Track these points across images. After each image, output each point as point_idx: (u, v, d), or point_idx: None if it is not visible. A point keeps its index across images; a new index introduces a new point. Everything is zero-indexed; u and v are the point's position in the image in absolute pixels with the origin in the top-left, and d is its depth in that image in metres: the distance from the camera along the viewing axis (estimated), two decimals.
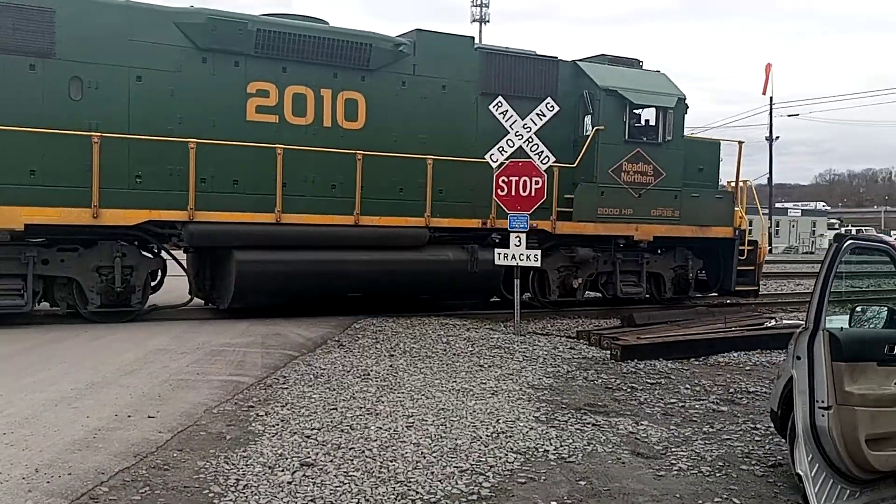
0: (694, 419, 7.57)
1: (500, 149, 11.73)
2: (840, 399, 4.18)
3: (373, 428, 6.60)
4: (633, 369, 9.76)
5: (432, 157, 12.85)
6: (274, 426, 6.53)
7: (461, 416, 7.11)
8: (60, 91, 10.81)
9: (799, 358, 4.33)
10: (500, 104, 11.76)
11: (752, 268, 16.19)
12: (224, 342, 10.04)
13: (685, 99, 15.02)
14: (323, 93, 12.31)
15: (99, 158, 10.71)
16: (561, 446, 6.38)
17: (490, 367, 9.44)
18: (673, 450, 6.48)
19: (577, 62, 14.54)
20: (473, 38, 14.03)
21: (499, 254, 11.81)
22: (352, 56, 12.38)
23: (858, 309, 4.61)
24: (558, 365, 9.76)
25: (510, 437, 6.57)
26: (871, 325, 4.58)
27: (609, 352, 10.59)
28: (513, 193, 11.56)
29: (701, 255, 15.89)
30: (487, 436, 6.55)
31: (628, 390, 8.66)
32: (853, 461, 4.18)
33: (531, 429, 6.83)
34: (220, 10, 11.91)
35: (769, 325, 13.04)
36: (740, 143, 16.34)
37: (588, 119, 14.35)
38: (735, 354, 11.10)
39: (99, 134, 10.73)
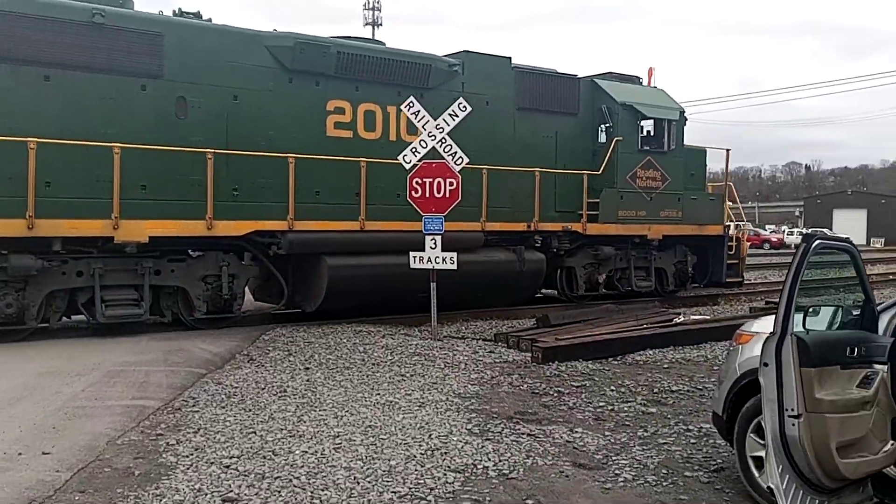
0: (626, 423, 7.42)
1: (413, 150, 11.37)
2: (810, 406, 4.02)
3: (298, 452, 6.11)
4: (556, 372, 9.58)
5: (486, 168, 13.96)
6: (188, 456, 5.94)
7: (391, 433, 6.70)
8: (168, 110, 11.43)
9: (766, 364, 4.14)
10: (411, 104, 11.39)
11: (737, 261, 18.09)
12: (123, 361, 9.27)
13: (684, 112, 16.83)
14: (389, 109, 13.29)
15: (213, 173, 11.34)
16: (500, 461, 6.07)
17: (412, 376, 9.06)
18: (614, 458, 6.27)
19: (594, 80, 16.09)
20: (510, 58, 14.98)
21: (414, 257, 11.43)
22: (414, 75, 13.45)
23: (811, 310, 4.47)
24: (481, 371, 9.47)
25: (446, 453, 6.21)
26: (824, 327, 4.46)
27: (530, 354, 10.39)
28: (427, 195, 11.21)
29: (695, 252, 17.57)
30: (422, 454, 6.17)
31: (555, 395, 8.45)
32: (823, 470, 4.04)
33: (466, 443, 6.49)
34: (305, 35, 12.68)
35: (678, 321, 13.20)
36: (727, 150, 18.36)
37: (602, 130, 15.88)
38: (650, 352, 11.12)
39: (212, 150, 11.36)
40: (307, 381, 8.65)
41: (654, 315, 13.47)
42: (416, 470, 5.79)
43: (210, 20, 12.10)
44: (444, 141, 11.29)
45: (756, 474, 5.26)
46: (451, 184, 11.15)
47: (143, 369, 8.86)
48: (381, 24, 60.91)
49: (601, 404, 8.10)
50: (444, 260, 11.21)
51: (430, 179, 11.19)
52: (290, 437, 6.52)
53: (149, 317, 11.41)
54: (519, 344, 10.96)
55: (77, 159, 10.56)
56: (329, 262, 12.34)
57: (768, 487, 4.47)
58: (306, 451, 6.13)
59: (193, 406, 7.42)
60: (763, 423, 4.39)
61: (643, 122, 16.08)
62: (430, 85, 13.60)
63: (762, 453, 5.23)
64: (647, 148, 16.11)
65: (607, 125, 15.71)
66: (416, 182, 11.29)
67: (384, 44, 14.10)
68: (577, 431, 7.02)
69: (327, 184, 12.55)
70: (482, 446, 6.42)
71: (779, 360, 4.06)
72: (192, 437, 6.40)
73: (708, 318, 13.89)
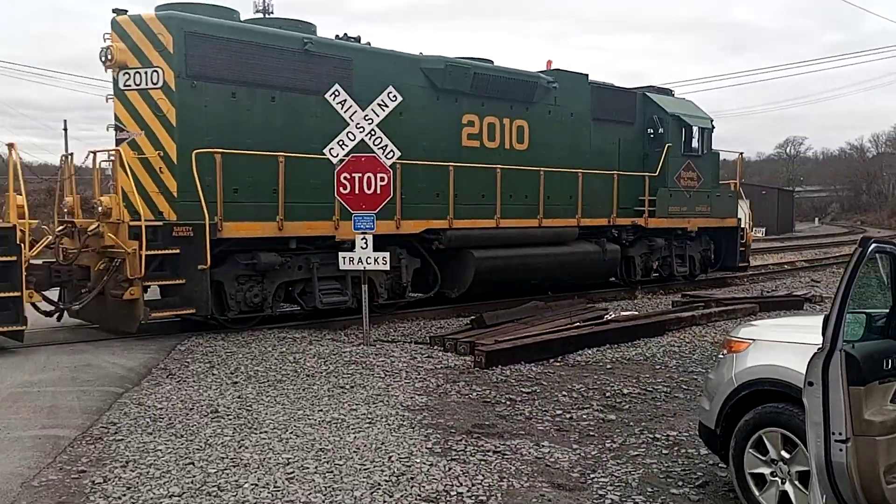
0: (590, 433, 7.04)
1: (340, 143, 10.64)
2: (858, 429, 3.67)
3: (247, 486, 5.41)
4: (502, 377, 9.13)
5: (581, 171, 16.34)
6: (120, 498, 5.14)
7: (346, 457, 6.06)
8: None
9: (811, 384, 3.76)
10: (337, 93, 10.65)
11: (744, 249, 20.84)
12: (24, 380, 8.22)
13: (713, 121, 19.78)
14: (504, 121, 15.23)
15: (401, 180, 12.90)
16: (473, 486, 5.55)
17: (353, 387, 8.40)
18: (591, 476, 5.86)
19: (646, 93, 18.65)
20: (588, 75, 17.11)
21: (343, 258, 10.72)
22: (523, 92, 15.39)
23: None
24: (424, 378, 8.91)
25: (412, 479, 5.63)
26: (857, 337, 4.13)
27: (470, 358, 9.91)
28: (356, 191, 10.51)
29: (713, 241, 20.37)
30: (386, 481, 5.58)
31: (508, 403, 8.00)
32: (868, 498, 3.71)
33: (431, 465, 5.94)
34: (452, 58, 14.44)
35: (609, 318, 13.02)
36: (740, 153, 22.58)
37: (652, 136, 18.37)
38: (589, 352, 10.83)
39: (401, 161, 12.19)
40: (238, 397, 7.87)
41: (583, 312, 13.24)
42: (384, 501, 5.20)
43: (369, 43, 13.71)
44: (373, 133, 10.63)
45: (756, 493, 4.94)
46: (381, 179, 10.49)
47: (49, 390, 7.87)
48: (272, 12, 59.04)
49: (558, 412, 7.70)
50: (375, 260, 10.56)
51: (360, 175, 10.50)
52: (234, 466, 5.80)
53: (353, 304, 12.66)
54: (457, 347, 10.45)
55: (302, 171, 12.06)
56: (476, 254, 14.34)
57: None
58: (256, 484, 5.44)
59: (116, 434, 6.56)
60: (806, 451, 4.05)
61: (685, 130, 18.86)
62: (534, 100, 15.65)
63: (763, 470, 4.92)
64: (688, 152, 18.85)
65: (659, 132, 18.30)
66: (344, 177, 10.57)
67: (493, 62, 15.70)
68: (543, 445, 6.58)
69: (470, 188, 14.48)
70: (449, 468, 5.88)
71: (825, 378, 3.68)
72: (120, 474, 5.59)
73: (636, 314, 13.78)
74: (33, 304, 10.42)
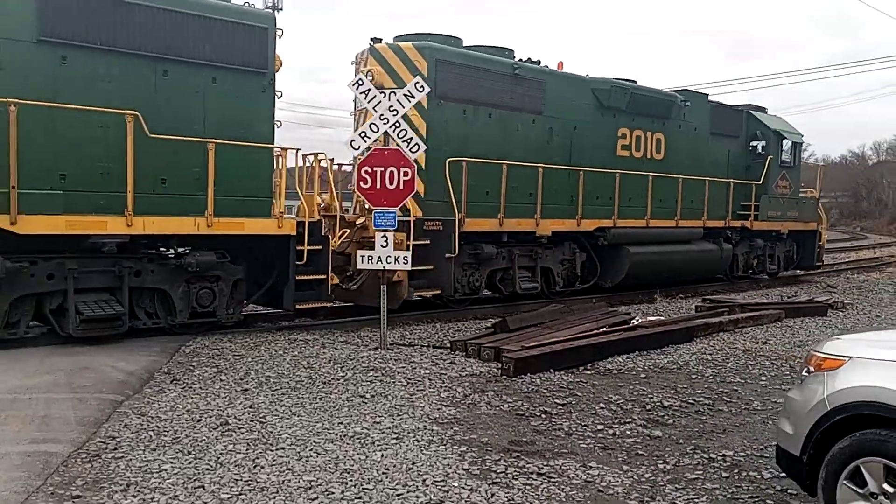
0: (638, 452, 6.38)
1: (363, 134, 9.99)
2: None
3: None
4: (532, 386, 8.48)
5: (708, 179, 18.93)
6: None
7: (375, 479, 5.41)
8: (544, 138, 15.22)
9: None
10: (360, 82, 10.00)
11: (819, 250, 23.59)
12: (15, 385, 7.54)
13: (803, 136, 22.83)
14: (647, 134, 17.51)
15: (583, 186, 15.50)
16: None
17: (374, 396, 7.74)
18: None
19: (749, 111, 21.41)
20: (707, 94, 19.99)
21: (362, 256, 10.05)
22: (663, 109, 17.79)
23: None
24: (450, 388, 8.25)
25: None
26: None
27: (496, 365, 9.26)
28: (378, 186, 9.85)
29: (796, 242, 23.02)
30: None
31: (543, 416, 7.34)
32: None
33: (471, 490, 5.28)
34: (615, 79, 16.76)
35: (636, 322, 12.36)
36: (821, 166, 25.93)
37: (753, 149, 21.02)
38: (620, 359, 10.18)
39: (582, 168, 15.46)
40: (250, 407, 7.21)
41: (608, 316, 12.58)
42: None
43: (539, 62, 15.57)
44: (398, 126, 9.97)
45: None
46: (405, 174, 9.83)
47: (41, 397, 7.20)
48: (281, 9, 58.50)
49: (599, 427, 7.05)
50: (395, 260, 9.90)
51: (382, 168, 9.84)
52: (251, 491, 5.14)
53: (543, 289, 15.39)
54: (480, 353, 9.80)
55: (515, 176, 14.33)
56: (631, 249, 16.58)
57: None
58: None
59: (115, 450, 5.89)
60: None
61: (782, 143, 21.54)
62: (671, 116, 18.00)
63: None
64: (783, 163, 21.53)
65: (763, 145, 20.97)
66: (365, 171, 9.92)
67: (636, 82, 17.63)
68: (591, 466, 5.92)
69: (626, 192, 16.72)
70: (492, 494, 5.23)
71: None
72: (121, 500, 4.93)
73: (663, 318, 13.11)
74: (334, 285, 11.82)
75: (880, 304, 17.18)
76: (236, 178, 10.48)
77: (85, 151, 9.43)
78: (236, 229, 10.50)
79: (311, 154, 11.91)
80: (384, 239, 9.84)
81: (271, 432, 6.44)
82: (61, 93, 9.29)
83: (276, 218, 10.86)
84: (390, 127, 9.92)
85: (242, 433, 6.40)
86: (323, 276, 11.38)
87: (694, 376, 9.42)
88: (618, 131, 16.77)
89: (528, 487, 5.41)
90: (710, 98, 19.84)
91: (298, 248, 10.98)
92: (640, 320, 12.71)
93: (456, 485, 5.37)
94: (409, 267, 10.06)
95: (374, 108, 9.90)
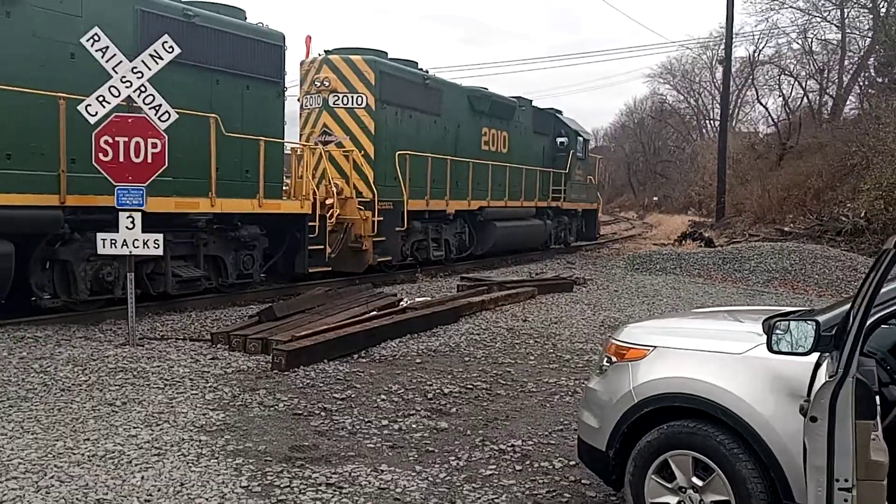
0: (428, 448, 6.06)
1: (100, 98, 8.65)
2: (863, 472, 2.97)
3: None
4: (307, 380, 7.88)
5: (539, 169, 24.34)
6: None
7: None
8: (441, 134, 19.26)
9: (815, 419, 3.00)
10: (97, 38, 8.60)
11: (597, 225, 29.95)
12: None
13: (591, 134, 29.31)
14: (499, 133, 22.02)
15: (472, 174, 20.32)
16: None
17: (126, 403, 6.73)
18: None
19: (555, 114, 26.25)
20: (532, 100, 24.53)
21: (103, 240, 8.77)
22: (508, 111, 22.54)
23: (781, 326, 3.45)
24: (215, 387, 7.41)
25: None
26: (796, 348, 3.48)
27: (264, 358, 8.55)
28: (121, 159, 8.62)
29: (579, 218, 28.00)
30: None
31: (324, 415, 6.80)
32: None
33: None
34: (481, 88, 21.30)
35: (404, 304, 12.16)
36: (599, 157, 29.21)
37: (559, 144, 26.02)
38: (392, 344, 9.88)
39: (471, 160, 20.21)
40: None
41: (376, 298, 12.23)
42: None
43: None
44: (143, 89, 8.77)
45: None
46: (154, 146, 8.69)
47: None
48: None
49: (384, 422, 6.65)
50: (144, 244, 8.76)
51: (126, 139, 8.63)
52: None
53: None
54: (246, 345, 9.00)
55: (437, 166, 18.64)
56: (497, 224, 20.98)
57: None
58: None
59: None
60: (723, 476, 3.43)
61: (579, 140, 26.61)
62: (512, 117, 22.46)
63: (669, 499, 4.21)
64: (579, 156, 26.44)
65: (565, 141, 25.93)
66: (105, 141, 8.64)
67: (487, 89, 21.74)
68: (382, 470, 5.49)
69: (492, 179, 21.02)
70: None
71: (832, 412, 2.94)
72: None
73: (430, 300, 13.04)
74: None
75: (615, 279, 18.48)
76: (271, 168, 12.95)
77: (182, 145, 10.93)
78: (275, 209, 13.19)
79: (314, 146, 15.73)
80: (130, 220, 8.66)
81: None
82: None
83: (299, 199, 13.79)
84: (134, 91, 8.69)
85: None
86: (322, 246, 14.36)
87: (467, 359, 9.34)
88: (481, 130, 20.96)
89: (318, 503, 4.85)
90: (532, 103, 24.44)
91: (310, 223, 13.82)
92: (407, 301, 12.54)
93: None
94: (159, 252, 8.92)
95: (113, 68, 8.60)
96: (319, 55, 16.86)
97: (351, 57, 16.47)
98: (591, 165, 28.61)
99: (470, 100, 20.28)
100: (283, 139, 13.85)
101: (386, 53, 17.51)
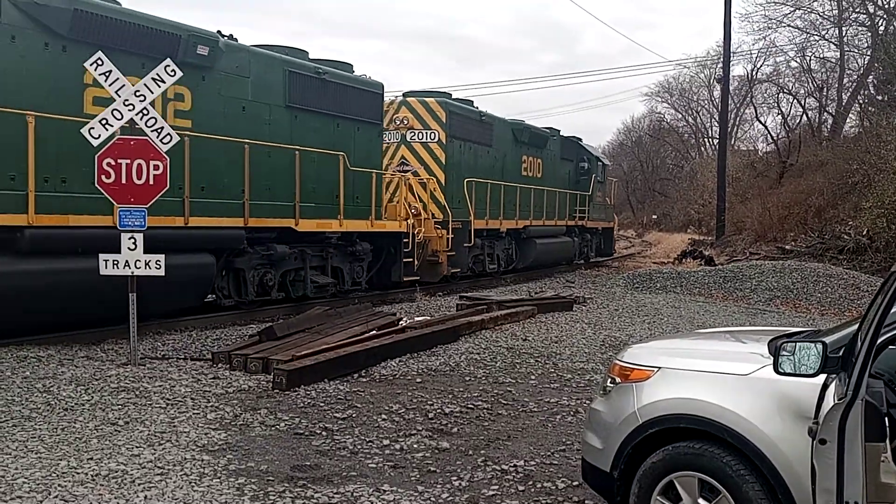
0: (430, 468, 6.06)
1: (104, 122, 8.69)
2: (874, 495, 2.98)
3: None
4: (308, 399, 7.89)
5: (568, 192, 27.71)
6: None
7: None
8: (496, 164, 22.34)
9: (824, 442, 3.02)
10: (100, 62, 8.65)
11: (614, 242, 33.56)
12: None
13: (609, 161, 35.05)
14: (535, 160, 25.23)
15: (519, 198, 23.34)
16: None
17: (128, 423, 6.73)
18: None
19: (578, 141, 28.89)
20: (560, 130, 28.15)
21: (105, 261, 8.80)
22: (542, 141, 25.67)
23: (788, 347, 3.48)
24: (217, 407, 7.42)
25: None
26: (803, 369, 3.50)
27: (265, 377, 8.56)
28: (123, 181, 8.66)
29: (596, 236, 31.27)
30: None
31: (325, 435, 6.80)
32: None
33: None
34: (527, 123, 24.60)
35: (404, 323, 12.17)
36: (615, 180, 33.25)
37: (582, 168, 28.92)
38: (392, 363, 9.89)
39: (519, 185, 23.34)
40: None
41: (376, 318, 12.26)
42: None
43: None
44: (145, 112, 8.83)
45: None
46: (156, 167, 8.74)
47: None
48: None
49: (385, 442, 6.65)
50: (146, 264, 8.78)
51: (128, 161, 8.68)
52: None
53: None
54: (247, 364, 9.01)
55: (494, 190, 21.66)
56: (537, 241, 23.74)
57: None
58: None
59: None
60: (731, 498, 3.42)
61: (599, 165, 30.01)
62: (545, 146, 25.83)
63: None
64: (599, 180, 29.52)
65: (588, 166, 28.77)
66: (107, 164, 8.69)
67: (524, 122, 24.91)
68: (384, 490, 5.49)
69: (533, 201, 24.15)
70: None
71: (842, 434, 2.95)
72: None
73: (430, 318, 13.05)
74: None
75: (615, 297, 18.46)
76: (378, 195, 15.92)
77: (320, 178, 14.37)
78: (382, 228, 16.07)
79: (405, 173, 18.54)
80: (132, 241, 8.68)
81: (2, 477, 5.30)
82: (296, 139, 13.81)
83: (397, 220, 16.77)
84: (137, 114, 8.74)
85: None
86: (410, 259, 17.01)
87: (468, 378, 9.34)
88: (522, 157, 23.75)
89: None
90: (563, 133, 27.59)
91: (405, 240, 16.71)
92: (407, 321, 12.56)
93: None
94: (161, 272, 8.91)
95: (116, 91, 8.66)
96: (397, 97, 19.82)
97: (426, 99, 19.65)
98: (607, 187, 32.15)
99: (513, 131, 23.28)
100: (381, 170, 16.64)
101: (450, 95, 20.84)
